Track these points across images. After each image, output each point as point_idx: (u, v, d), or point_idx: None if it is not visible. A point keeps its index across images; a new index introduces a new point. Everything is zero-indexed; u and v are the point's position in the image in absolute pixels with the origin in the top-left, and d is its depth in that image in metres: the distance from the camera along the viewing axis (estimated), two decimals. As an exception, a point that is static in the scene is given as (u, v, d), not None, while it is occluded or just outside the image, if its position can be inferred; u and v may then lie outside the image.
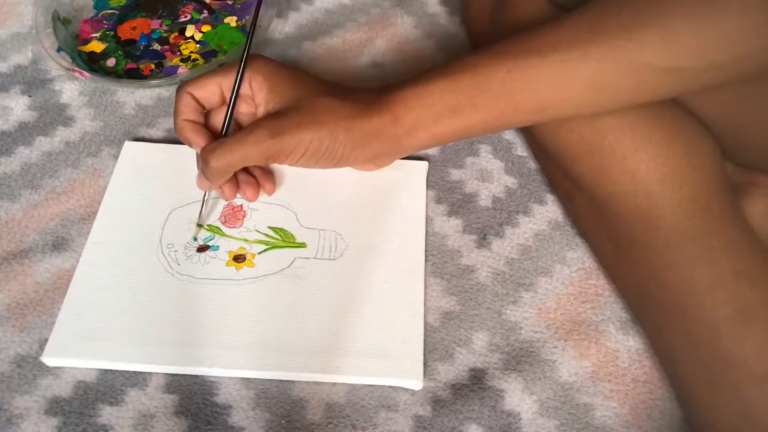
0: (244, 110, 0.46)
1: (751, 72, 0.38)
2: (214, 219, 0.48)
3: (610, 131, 0.41)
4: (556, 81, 0.39)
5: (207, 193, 0.46)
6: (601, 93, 0.39)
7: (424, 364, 0.43)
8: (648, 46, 0.36)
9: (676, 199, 0.40)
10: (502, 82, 0.40)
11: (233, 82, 0.44)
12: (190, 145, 0.45)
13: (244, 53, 0.44)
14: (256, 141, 0.41)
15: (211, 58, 0.58)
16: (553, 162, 0.47)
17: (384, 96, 0.43)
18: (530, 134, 0.51)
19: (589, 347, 0.44)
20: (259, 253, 0.47)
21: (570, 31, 0.39)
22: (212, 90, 0.44)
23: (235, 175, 0.47)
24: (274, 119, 0.42)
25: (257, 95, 0.44)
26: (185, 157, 0.51)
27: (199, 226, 0.47)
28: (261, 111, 0.44)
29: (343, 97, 0.43)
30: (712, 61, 0.36)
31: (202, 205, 0.47)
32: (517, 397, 0.42)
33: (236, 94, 0.44)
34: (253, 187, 0.47)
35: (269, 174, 0.49)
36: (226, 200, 0.47)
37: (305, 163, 0.44)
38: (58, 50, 0.56)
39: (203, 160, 0.42)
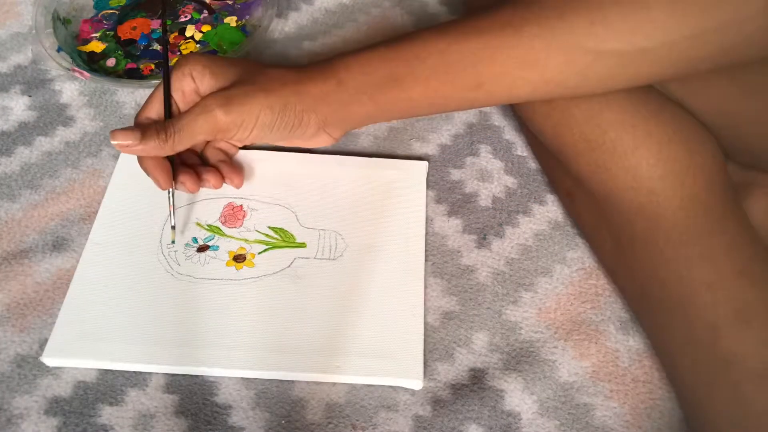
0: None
1: (684, 71, 0.39)
2: (214, 219, 0.48)
3: (610, 128, 0.41)
4: (490, 56, 0.40)
5: (171, 194, 0.46)
6: (533, 70, 0.40)
7: (424, 364, 0.43)
8: (578, 27, 0.37)
9: (677, 197, 0.40)
10: (440, 54, 0.41)
11: (175, 85, 0.44)
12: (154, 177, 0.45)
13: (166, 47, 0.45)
14: (204, 112, 0.42)
15: (211, 58, 0.58)
16: (554, 160, 0.47)
17: (328, 63, 0.44)
18: (531, 133, 0.51)
19: (589, 347, 0.44)
20: (259, 253, 0.47)
21: (508, 12, 0.40)
22: (159, 109, 0.44)
23: (195, 168, 0.47)
24: (221, 92, 0.42)
25: (201, 84, 0.44)
26: (185, 157, 0.51)
27: (173, 228, 0.46)
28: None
29: (287, 68, 0.44)
30: (638, 47, 0.37)
31: (170, 206, 0.46)
32: (517, 397, 0.42)
33: (168, 77, 0.44)
34: (215, 175, 0.48)
35: (236, 168, 0.49)
36: (189, 191, 0.47)
37: (259, 136, 0.44)
38: (58, 50, 0.56)
39: (149, 137, 0.42)
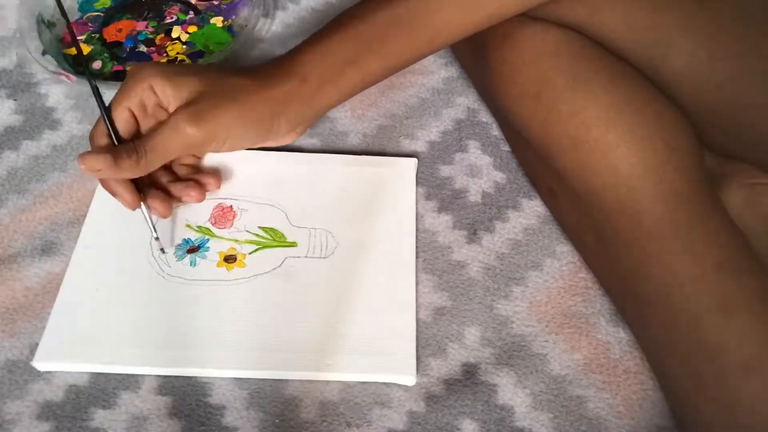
0: (162, 118, 0.44)
1: None
2: (204, 220, 0.48)
3: (594, 126, 0.41)
4: (437, 8, 0.42)
5: (144, 210, 0.45)
6: (476, 11, 0.42)
7: (417, 359, 0.43)
8: None
9: (657, 193, 0.40)
10: (392, 22, 0.43)
11: (134, 99, 0.42)
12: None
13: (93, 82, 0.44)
14: (175, 130, 0.41)
15: (197, 59, 0.58)
16: (535, 157, 0.48)
17: (287, 61, 0.44)
18: (512, 130, 0.51)
19: (580, 340, 0.45)
20: (250, 253, 0.47)
21: None
22: (127, 116, 0.43)
23: (167, 188, 0.46)
24: (190, 106, 0.41)
25: (164, 97, 0.42)
26: (174, 158, 0.51)
27: (157, 239, 0.45)
28: (173, 108, 0.42)
29: (248, 73, 0.44)
30: None
31: (148, 221, 0.45)
32: (510, 391, 0.43)
33: (104, 105, 0.43)
34: (196, 188, 0.47)
35: (208, 172, 0.49)
36: (162, 216, 0.46)
37: (232, 146, 0.43)
38: (43, 53, 0.55)
39: (120, 160, 0.41)
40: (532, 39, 0.44)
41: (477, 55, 0.49)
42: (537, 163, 0.49)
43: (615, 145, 0.41)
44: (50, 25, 0.59)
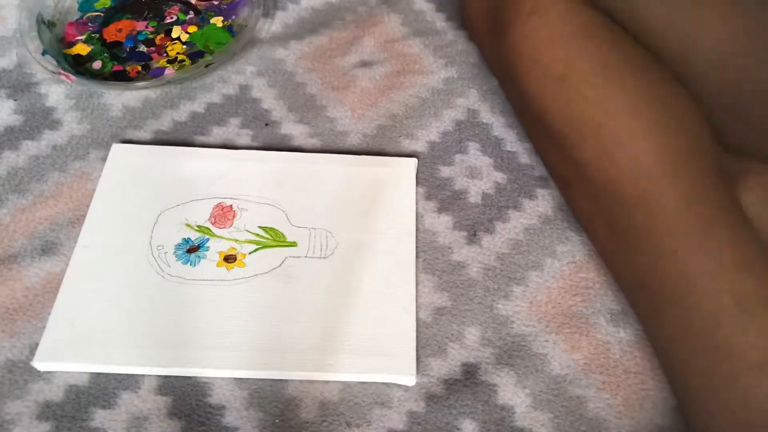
0: None
1: None
2: (204, 220, 0.48)
3: (619, 114, 0.40)
4: None
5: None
6: None
7: (417, 360, 0.43)
8: None
9: (678, 188, 0.39)
10: None
11: None
12: None
13: None
14: None
15: (197, 59, 0.58)
16: (552, 144, 0.47)
17: None
18: (531, 115, 0.49)
19: (580, 340, 0.45)
20: (250, 253, 0.47)
21: None
22: None
23: None
24: None
25: None
26: (173, 158, 0.51)
27: None
28: None
29: None
30: None
31: None
32: (510, 391, 0.43)
33: None
34: None
35: None
36: None
37: None
38: (43, 53, 0.55)
39: None
40: (563, 17, 0.42)
41: (497, 29, 0.47)
42: (552, 150, 0.48)
43: (639, 136, 0.40)
44: (50, 25, 0.59)
